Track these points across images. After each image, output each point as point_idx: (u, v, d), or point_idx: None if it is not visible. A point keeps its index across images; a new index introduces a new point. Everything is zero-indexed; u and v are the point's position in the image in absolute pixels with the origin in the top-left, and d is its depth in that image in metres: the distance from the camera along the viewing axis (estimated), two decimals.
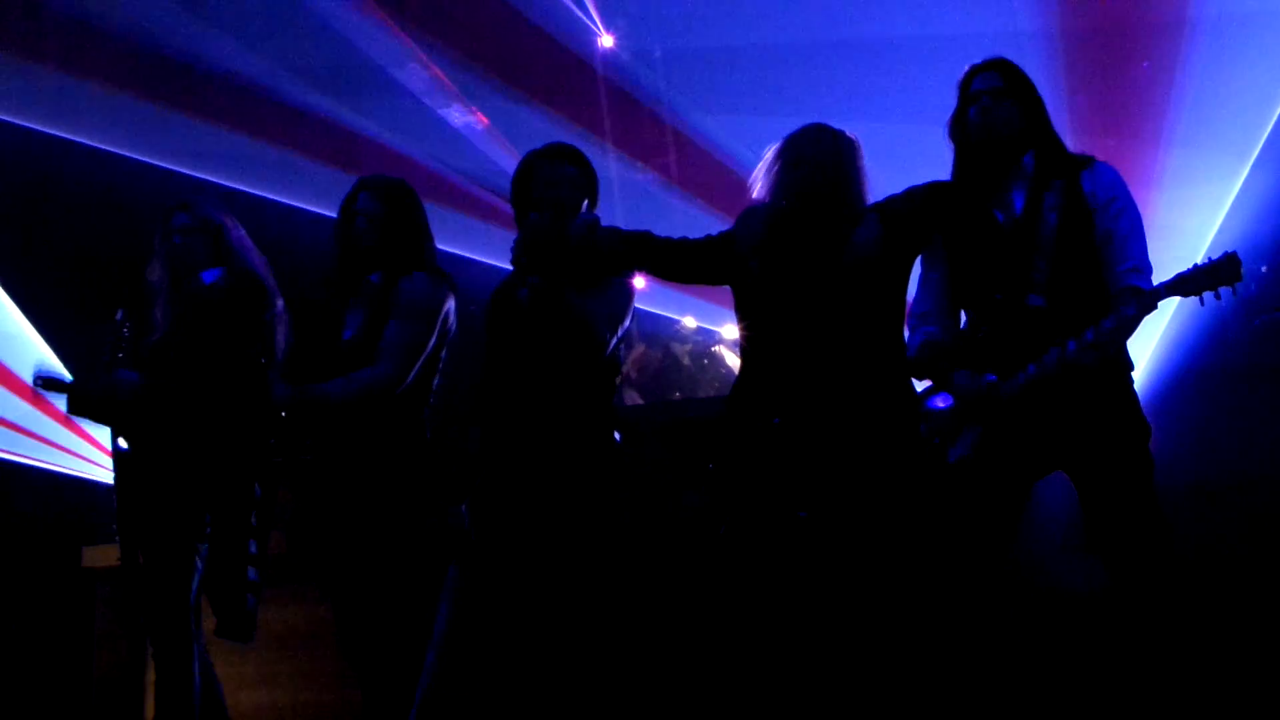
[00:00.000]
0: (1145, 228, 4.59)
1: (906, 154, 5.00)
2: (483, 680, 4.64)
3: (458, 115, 9.98)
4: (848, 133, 4.57)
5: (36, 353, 8.51)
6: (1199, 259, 4.33)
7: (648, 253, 4.65)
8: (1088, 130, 8.33)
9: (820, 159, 4.48)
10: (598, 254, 4.60)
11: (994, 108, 4.60)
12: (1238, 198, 8.40)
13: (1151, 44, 8.87)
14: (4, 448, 8.29)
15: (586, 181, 4.80)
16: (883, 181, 4.52)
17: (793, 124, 4.66)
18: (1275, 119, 8.45)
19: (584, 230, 4.59)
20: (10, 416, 8.33)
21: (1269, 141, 8.43)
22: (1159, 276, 4.42)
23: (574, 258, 4.59)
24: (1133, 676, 4.58)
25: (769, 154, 4.59)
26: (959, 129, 4.69)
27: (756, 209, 4.59)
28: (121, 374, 5.31)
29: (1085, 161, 4.61)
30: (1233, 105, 8.56)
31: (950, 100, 4.76)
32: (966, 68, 4.73)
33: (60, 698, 7.19)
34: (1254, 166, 8.46)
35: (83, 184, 9.02)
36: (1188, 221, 8.30)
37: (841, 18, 9.53)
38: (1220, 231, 8.13)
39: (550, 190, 4.75)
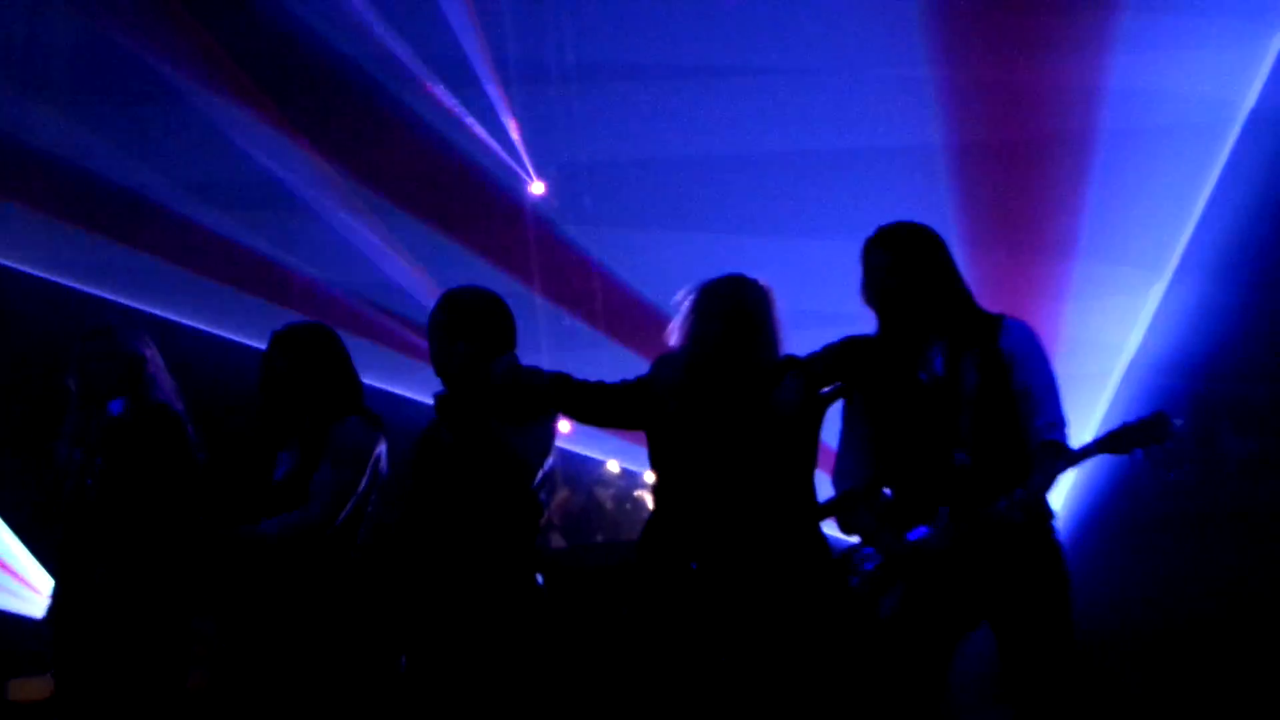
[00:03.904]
0: (1059, 339, 4.68)
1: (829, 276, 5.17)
2: None
3: (384, 252, 10.12)
4: (761, 282, 4.66)
5: None
6: (1113, 381, 4.43)
7: (565, 395, 4.73)
8: (997, 243, 8.36)
9: (734, 309, 4.58)
10: (517, 393, 4.68)
11: (890, 281, 4.70)
12: (1155, 316, 8.52)
13: (1063, 154, 8.98)
14: None
15: (464, 330, 4.84)
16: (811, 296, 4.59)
17: (715, 272, 4.75)
18: (1190, 232, 8.61)
19: (501, 372, 4.68)
20: None
21: (1184, 257, 8.60)
22: (1077, 391, 4.53)
23: (494, 397, 4.67)
24: None
25: (685, 303, 4.68)
26: (869, 298, 4.78)
27: (673, 356, 4.68)
28: None
29: (997, 320, 4.71)
30: (1145, 219, 8.68)
31: (860, 212, 4.86)
32: (865, 240, 4.80)
33: None
34: (1171, 283, 8.60)
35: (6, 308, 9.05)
36: (1102, 335, 8.37)
37: (762, 176, 9.72)
38: (1132, 370, 8.20)
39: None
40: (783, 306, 4.67)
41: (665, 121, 10.04)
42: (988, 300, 4.83)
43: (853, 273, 4.79)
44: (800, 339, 4.70)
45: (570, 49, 10.26)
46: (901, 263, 4.69)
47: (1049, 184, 8.97)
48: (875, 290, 4.72)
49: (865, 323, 4.81)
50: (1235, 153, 8.78)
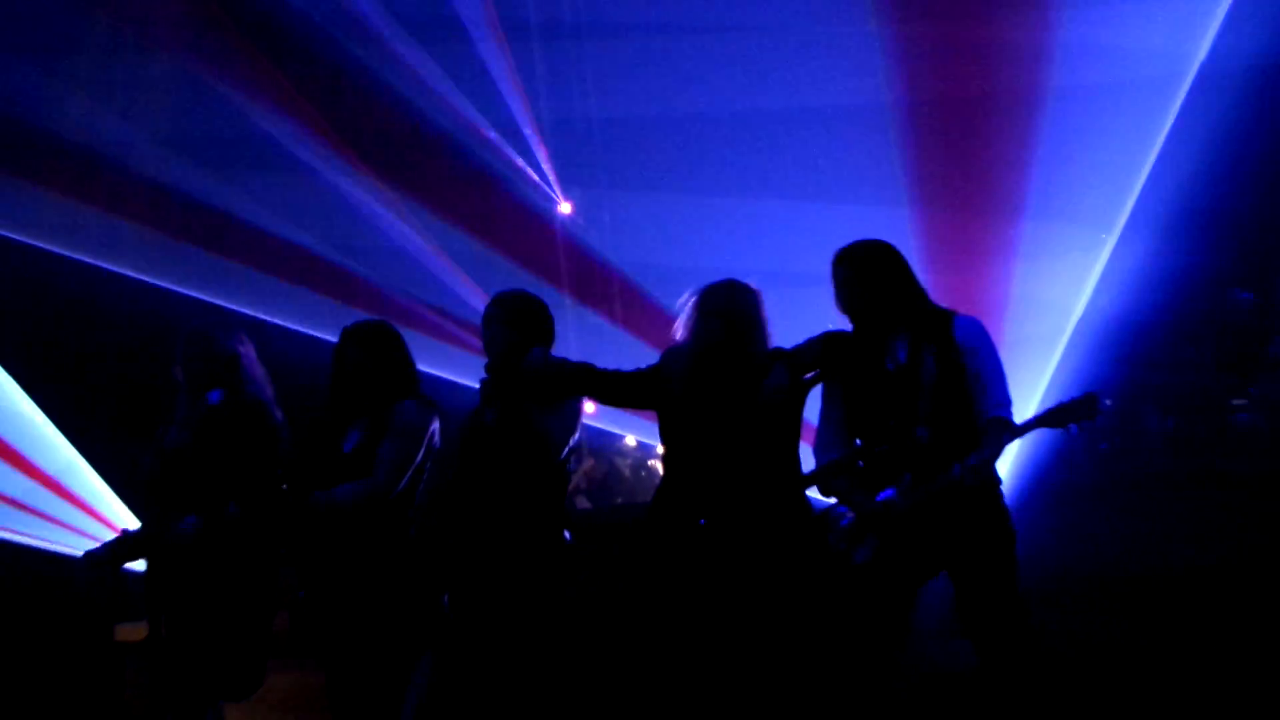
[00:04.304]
0: (1010, 300, 5.06)
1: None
2: None
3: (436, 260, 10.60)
4: (752, 285, 5.19)
5: (62, 456, 8.80)
6: (1059, 349, 4.86)
7: (589, 381, 5.27)
8: (948, 202, 8.42)
9: (729, 309, 5.11)
10: (548, 380, 5.22)
11: (855, 295, 5.19)
12: (1102, 277, 8.48)
13: (1012, 111, 8.85)
14: (30, 533, 8.62)
15: (513, 322, 5.41)
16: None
17: (717, 276, 5.25)
18: (1139, 189, 8.57)
19: (534, 362, 5.24)
20: (35, 504, 8.70)
21: (1133, 215, 8.58)
22: (1028, 353, 4.89)
23: (529, 383, 5.23)
24: None
25: (688, 304, 5.18)
26: (841, 305, 5.27)
27: (678, 349, 5.21)
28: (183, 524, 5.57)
29: (949, 317, 5.20)
30: (1095, 176, 8.57)
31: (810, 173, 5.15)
32: (833, 256, 5.26)
33: None
34: (1119, 242, 8.61)
35: (115, 307, 9.47)
36: (1052, 295, 8.30)
37: (712, 136, 9.75)
38: (1079, 332, 8.06)
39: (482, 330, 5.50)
40: (743, 268, 5.17)
41: (627, 79, 10.16)
42: (940, 260, 5.14)
43: (807, 233, 5.12)
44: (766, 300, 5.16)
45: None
46: (864, 274, 5.21)
47: (999, 141, 8.83)
48: (845, 297, 5.25)
49: (823, 283, 5.28)
50: (1186, 108, 8.68)
